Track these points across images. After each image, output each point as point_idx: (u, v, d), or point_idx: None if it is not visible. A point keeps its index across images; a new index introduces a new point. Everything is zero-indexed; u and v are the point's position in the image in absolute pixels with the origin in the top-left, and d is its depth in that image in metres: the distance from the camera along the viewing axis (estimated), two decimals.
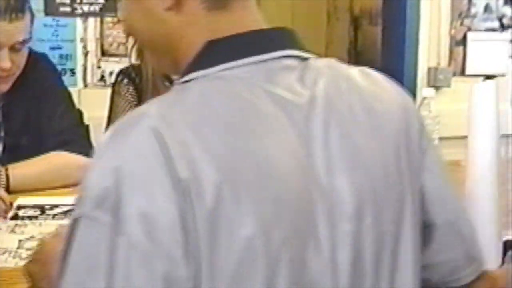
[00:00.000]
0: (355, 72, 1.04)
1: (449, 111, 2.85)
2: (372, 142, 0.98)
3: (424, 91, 2.67)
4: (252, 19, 0.98)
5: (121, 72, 2.48)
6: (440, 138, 2.54)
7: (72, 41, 3.43)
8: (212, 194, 0.83)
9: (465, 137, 1.25)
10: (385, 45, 3.86)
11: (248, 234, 0.84)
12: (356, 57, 4.45)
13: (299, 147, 0.92)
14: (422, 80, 3.69)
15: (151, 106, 0.90)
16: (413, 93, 3.57)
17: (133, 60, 2.45)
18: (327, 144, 0.94)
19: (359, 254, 0.94)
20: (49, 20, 3.38)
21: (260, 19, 1.00)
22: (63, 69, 3.35)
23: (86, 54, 3.45)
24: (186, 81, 0.95)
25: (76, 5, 3.42)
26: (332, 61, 1.03)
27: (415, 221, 1.01)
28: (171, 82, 2.25)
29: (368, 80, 1.04)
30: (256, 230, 0.85)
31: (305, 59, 1.00)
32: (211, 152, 0.85)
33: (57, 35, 3.39)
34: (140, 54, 2.38)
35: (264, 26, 1.00)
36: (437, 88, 3.56)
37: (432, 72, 3.71)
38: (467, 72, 3.73)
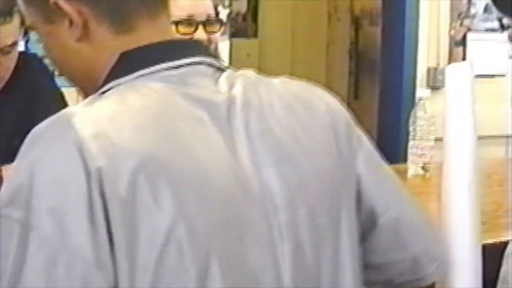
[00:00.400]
0: (275, 80, 1.06)
1: None
2: (297, 138, 1.00)
3: (419, 92, 2.67)
4: (163, 37, 1.00)
5: None
6: (436, 139, 2.52)
7: None
8: (127, 182, 0.85)
9: None
10: (384, 45, 3.86)
11: (168, 222, 0.86)
12: (357, 58, 4.43)
13: (222, 141, 0.94)
14: (421, 80, 3.68)
15: (69, 109, 0.94)
16: (412, 93, 3.56)
17: None
18: (250, 139, 0.96)
19: (299, 245, 0.96)
20: None
21: (173, 38, 1.02)
22: None
23: None
24: (103, 92, 0.97)
25: None
26: (250, 71, 1.06)
27: (351, 215, 1.02)
28: None
29: (289, 85, 1.06)
30: (176, 218, 0.86)
31: (221, 68, 1.02)
32: (126, 142, 0.87)
33: None
34: None
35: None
36: (436, 88, 3.54)
37: (432, 72, 3.70)
38: None
